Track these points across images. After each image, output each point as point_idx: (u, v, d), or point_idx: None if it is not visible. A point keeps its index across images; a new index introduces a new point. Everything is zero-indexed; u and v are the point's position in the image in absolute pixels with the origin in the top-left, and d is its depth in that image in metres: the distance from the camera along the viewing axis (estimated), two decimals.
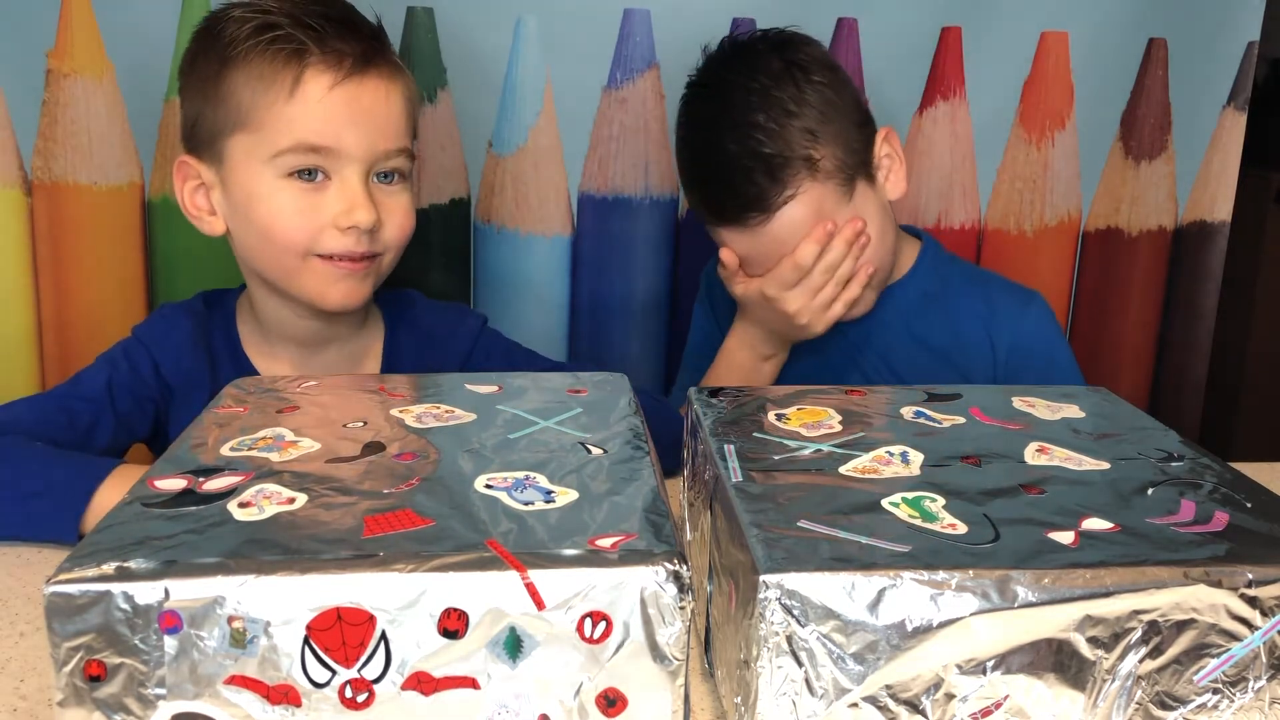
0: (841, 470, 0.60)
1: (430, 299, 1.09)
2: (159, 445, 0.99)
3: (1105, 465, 0.63)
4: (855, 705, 0.49)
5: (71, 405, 0.92)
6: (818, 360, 1.16)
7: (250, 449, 0.61)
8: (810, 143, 1.04)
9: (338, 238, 0.90)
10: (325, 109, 0.88)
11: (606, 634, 0.48)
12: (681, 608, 0.48)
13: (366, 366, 1.02)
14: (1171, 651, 0.51)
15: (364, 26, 0.93)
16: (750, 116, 1.04)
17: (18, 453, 0.81)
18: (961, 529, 0.53)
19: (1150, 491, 0.59)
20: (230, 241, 0.97)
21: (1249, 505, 0.58)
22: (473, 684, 0.48)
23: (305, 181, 0.90)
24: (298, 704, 0.48)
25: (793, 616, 0.48)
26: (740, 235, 1.07)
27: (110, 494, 0.77)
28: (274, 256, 0.92)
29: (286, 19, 0.89)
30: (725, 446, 0.63)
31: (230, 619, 0.47)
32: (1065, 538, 0.53)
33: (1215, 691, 0.52)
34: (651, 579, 0.48)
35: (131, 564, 0.47)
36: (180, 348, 0.97)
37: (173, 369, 0.96)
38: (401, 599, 0.47)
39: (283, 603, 0.47)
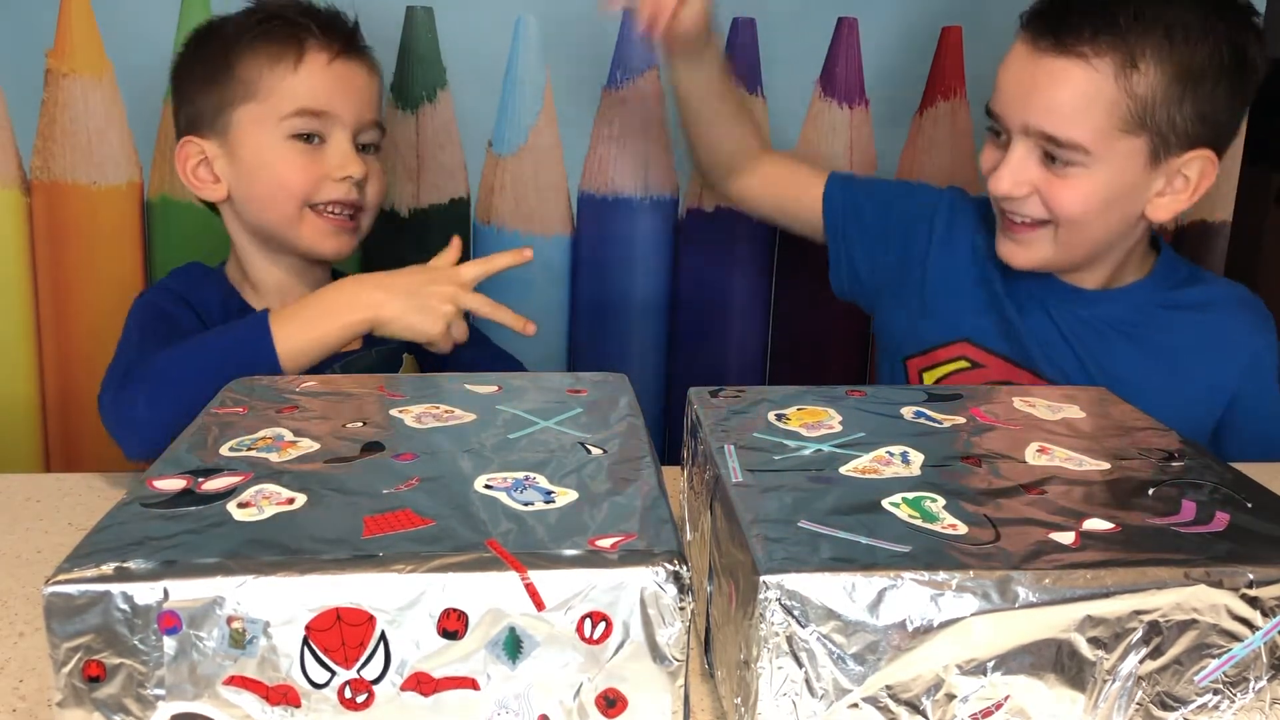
0: (841, 470, 0.60)
1: None
2: None
3: (1105, 465, 0.63)
4: (855, 706, 0.49)
5: (171, 323, 1.02)
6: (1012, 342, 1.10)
7: (250, 449, 0.61)
8: (1156, 58, 0.94)
9: (334, 187, 1.06)
10: (324, 79, 1.05)
11: (606, 634, 0.48)
12: (681, 608, 0.48)
13: None
14: (1172, 652, 0.51)
15: (348, 22, 1.10)
16: None
17: (182, 341, 0.94)
18: (961, 529, 0.53)
19: (1150, 491, 0.59)
20: (230, 205, 1.09)
21: (1249, 505, 0.58)
22: (472, 684, 0.48)
23: (305, 144, 1.05)
24: (297, 704, 0.48)
25: (793, 617, 0.48)
26: (1022, 58, 1.00)
27: (280, 327, 0.92)
28: (278, 208, 1.06)
29: (287, 12, 1.06)
30: (725, 446, 0.63)
31: (230, 619, 0.47)
32: (1065, 538, 0.53)
33: (1216, 692, 0.52)
34: (651, 579, 0.48)
35: (131, 564, 0.47)
36: (209, 297, 1.08)
37: (205, 313, 1.06)
38: (401, 599, 0.47)
39: (282, 603, 0.47)
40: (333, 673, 0.48)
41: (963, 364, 1.10)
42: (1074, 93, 0.96)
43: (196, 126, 1.07)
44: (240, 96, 1.04)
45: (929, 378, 1.12)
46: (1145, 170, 0.99)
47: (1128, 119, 0.96)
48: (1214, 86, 0.97)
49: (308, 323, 0.93)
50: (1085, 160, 0.97)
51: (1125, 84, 0.95)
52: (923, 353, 1.12)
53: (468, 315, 1.14)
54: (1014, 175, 1.00)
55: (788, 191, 1.20)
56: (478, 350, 1.19)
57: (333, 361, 1.06)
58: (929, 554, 0.50)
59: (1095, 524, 0.54)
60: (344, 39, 1.08)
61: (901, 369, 1.14)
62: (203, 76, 1.06)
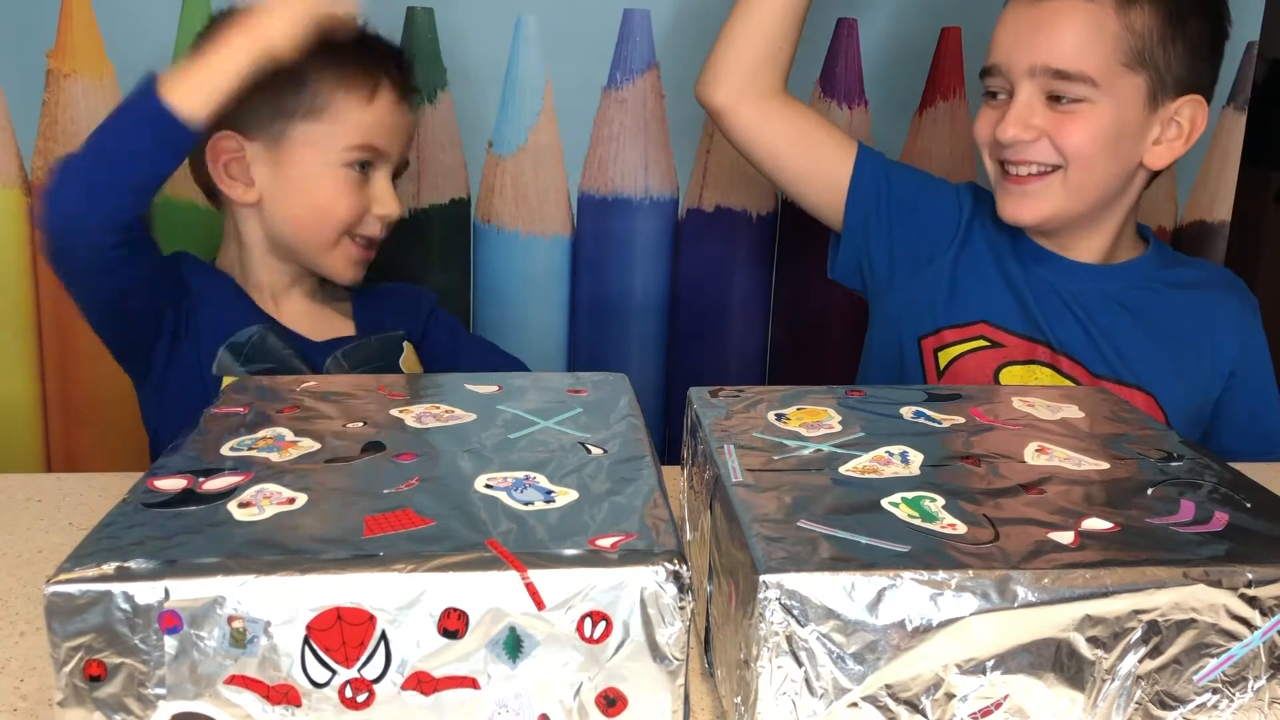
0: (841, 470, 0.60)
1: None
2: (175, 347, 1.03)
3: (1105, 465, 0.63)
4: (855, 705, 0.49)
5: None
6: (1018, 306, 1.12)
7: (250, 449, 0.61)
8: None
9: (373, 223, 1.09)
10: (390, 118, 1.07)
11: (606, 634, 0.48)
12: (681, 608, 0.48)
13: (336, 316, 1.14)
14: (1171, 651, 0.51)
15: (409, 61, 1.12)
16: None
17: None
18: (961, 529, 0.53)
19: (1150, 491, 0.59)
20: (256, 209, 1.07)
21: (1249, 505, 0.58)
22: (473, 684, 0.48)
23: (357, 172, 1.06)
24: (298, 704, 0.48)
25: (793, 616, 0.48)
26: (1022, 7, 1.05)
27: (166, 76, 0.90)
28: (317, 230, 1.06)
29: (365, 41, 1.07)
30: (725, 446, 0.63)
31: (230, 619, 0.47)
32: (1065, 538, 0.53)
33: (1215, 691, 0.52)
34: (651, 579, 0.48)
35: (131, 564, 0.47)
36: (196, 261, 1.09)
37: (191, 272, 1.06)
38: (401, 599, 0.47)
39: (283, 603, 0.47)
40: (333, 672, 0.48)
41: (981, 343, 1.12)
42: (1080, 27, 1.02)
43: (241, 124, 1.03)
44: (304, 112, 1.03)
45: (944, 356, 1.13)
46: (1144, 112, 1.04)
47: (1129, 54, 1.02)
48: (1199, 29, 1.04)
49: (191, 61, 0.92)
50: (1092, 95, 1.02)
51: (1125, 19, 1.01)
52: (937, 332, 1.13)
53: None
54: (1021, 119, 1.04)
55: (812, 137, 1.14)
56: (482, 358, 1.20)
57: (333, 347, 1.07)
58: (928, 554, 0.50)
59: (1094, 523, 0.54)
60: (407, 80, 1.09)
61: (914, 348, 1.14)
62: (267, 75, 1.03)
